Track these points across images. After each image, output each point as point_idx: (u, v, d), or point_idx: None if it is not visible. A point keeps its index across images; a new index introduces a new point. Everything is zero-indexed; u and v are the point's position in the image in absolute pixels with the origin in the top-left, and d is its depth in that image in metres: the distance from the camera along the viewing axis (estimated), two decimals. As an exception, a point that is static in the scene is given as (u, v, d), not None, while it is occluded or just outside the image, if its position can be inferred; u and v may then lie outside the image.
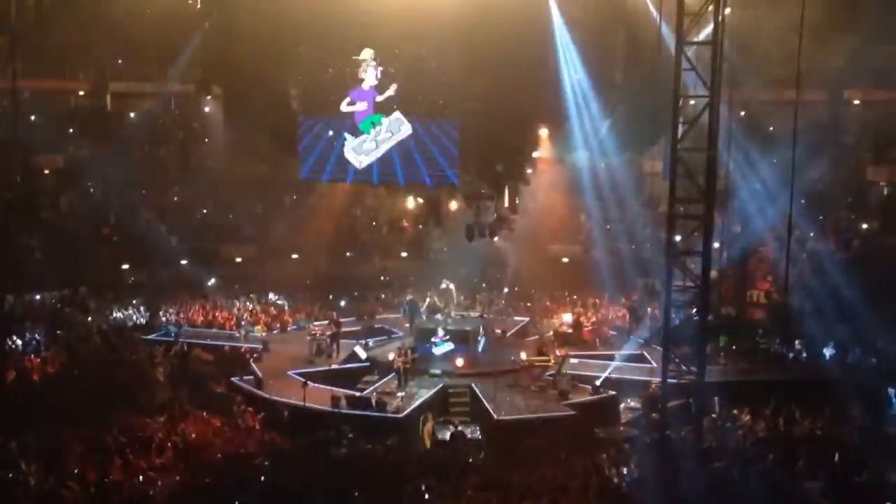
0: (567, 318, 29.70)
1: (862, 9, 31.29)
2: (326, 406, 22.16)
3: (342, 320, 28.83)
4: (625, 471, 18.00)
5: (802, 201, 31.54)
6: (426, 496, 16.74)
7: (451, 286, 30.48)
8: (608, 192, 36.81)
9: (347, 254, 36.59)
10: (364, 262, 36.83)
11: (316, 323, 29.19)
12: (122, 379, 22.89)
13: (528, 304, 33.39)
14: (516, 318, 31.73)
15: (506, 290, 34.78)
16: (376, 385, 24.12)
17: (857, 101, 35.55)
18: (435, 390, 23.69)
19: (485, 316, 30.81)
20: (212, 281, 34.60)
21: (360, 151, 25.72)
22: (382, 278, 35.95)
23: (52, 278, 30.75)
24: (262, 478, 17.07)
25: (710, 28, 16.56)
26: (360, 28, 24.49)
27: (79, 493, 16.20)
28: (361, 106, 25.39)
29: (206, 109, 37.94)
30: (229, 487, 16.40)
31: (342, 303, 32.35)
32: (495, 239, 30.94)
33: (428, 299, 29.92)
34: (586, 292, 33.72)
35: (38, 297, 28.99)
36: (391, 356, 24.93)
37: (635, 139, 26.85)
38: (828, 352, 25.74)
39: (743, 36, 25.65)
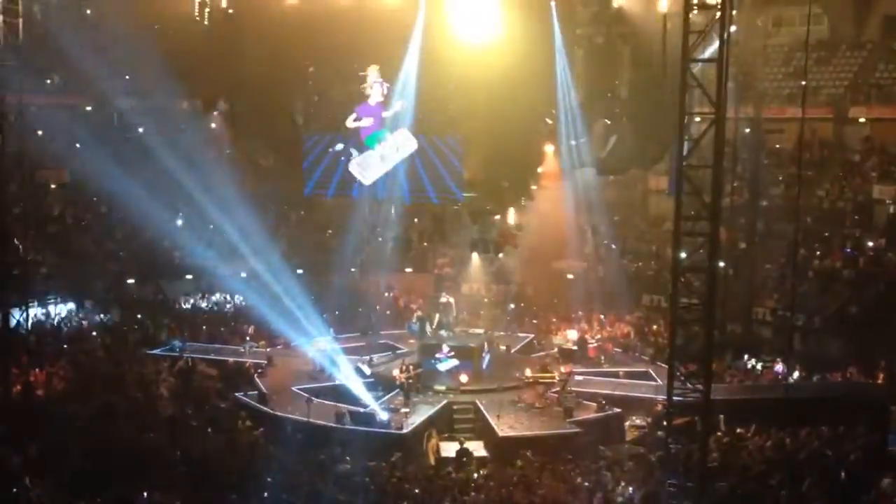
0: (572, 334, 29.61)
1: (867, 27, 31.40)
2: (330, 422, 22.13)
3: (341, 336, 28.84)
4: (630, 489, 17.92)
5: (809, 219, 31.56)
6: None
7: (451, 300, 30.44)
8: (614, 208, 36.91)
9: (352, 269, 36.54)
10: (369, 278, 36.73)
11: (319, 338, 29.12)
12: (126, 394, 22.93)
13: (533, 321, 33.32)
14: (521, 334, 31.65)
15: (511, 306, 34.75)
16: (380, 401, 24.07)
17: (862, 119, 35.57)
18: (439, 406, 23.65)
19: (489, 332, 30.70)
20: (216, 296, 34.59)
21: (366, 167, 25.75)
22: (387, 294, 35.87)
23: (57, 292, 30.78)
24: (266, 493, 17.00)
25: (715, 45, 16.56)
26: (366, 45, 24.60)
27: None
28: (367, 122, 25.47)
29: (213, 125, 38.09)
30: (233, 503, 16.34)
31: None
32: (500, 255, 30.98)
33: (437, 315, 29.93)
34: (591, 309, 33.69)
35: (43, 311, 28.99)
36: (395, 372, 24.91)
37: (641, 156, 26.90)
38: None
39: (749, 53, 25.75)
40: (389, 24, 23.80)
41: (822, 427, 20.29)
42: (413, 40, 24.45)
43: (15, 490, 16.47)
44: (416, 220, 36.58)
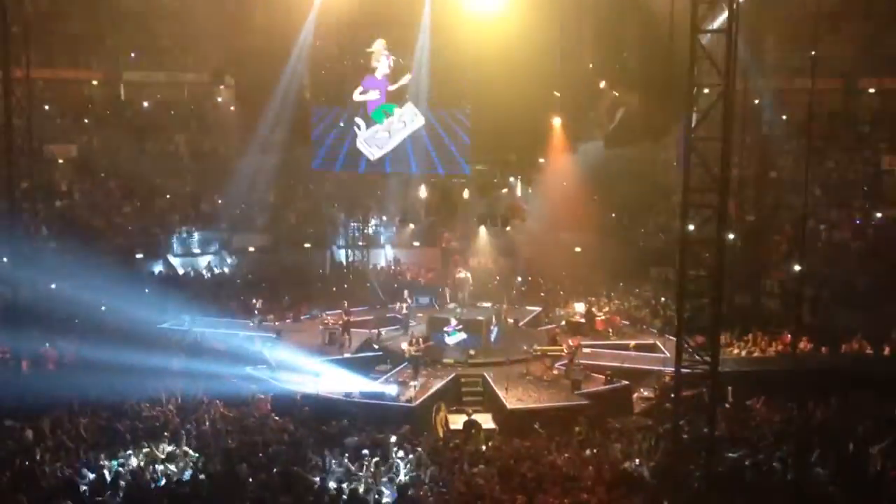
0: (580, 307, 29.62)
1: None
2: (339, 395, 22.21)
3: (353, 309, 28.86)
4: (637, 461, 17.99)
5: (818, 191, 31.45)
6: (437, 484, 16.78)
7: (468, 275, 30.44)
8: (621, 180, 36.78)
9: (360, 243, 36.58)
10: (376, 252, 36.77)
11: (328, 312, 29.17)
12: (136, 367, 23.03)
13: (541, 294, 33.33)
14: (529, 307, 31.67)
15: (518, 279, 34.76)
16: (389, 374, 24.15)
17: (872, 90, 35.32)
18: (448, 379, 23.72)
19: (497, 305, 30.72)
20: (225, 270, 34.67)
21: (373, 142, 25.67)
22: (394, 268, 35.91)
23: (66, 268, 30.85)
24: (275, 468, 17.08)
25: (724, 16, 16.43)
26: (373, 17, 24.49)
27: (93, 480, 16.28)
28: (374, 94, 25.36)
29: (219, 99, 38.06)
30: (242, 475, 16.42)
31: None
32: (507, 228, 30.92)
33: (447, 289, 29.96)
34: (599, 281, 33.69)
35: (52, 286, 29.06)
36: (404, 346, 24.96)
37: (649, 127, 26.72)
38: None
39: (758, 24, 25.54)
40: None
41: (831, 398, 20.32)
42: (421, 12, 24.27)
43: (27, 463, 16.58)
44: (422, 193, 36.47)
